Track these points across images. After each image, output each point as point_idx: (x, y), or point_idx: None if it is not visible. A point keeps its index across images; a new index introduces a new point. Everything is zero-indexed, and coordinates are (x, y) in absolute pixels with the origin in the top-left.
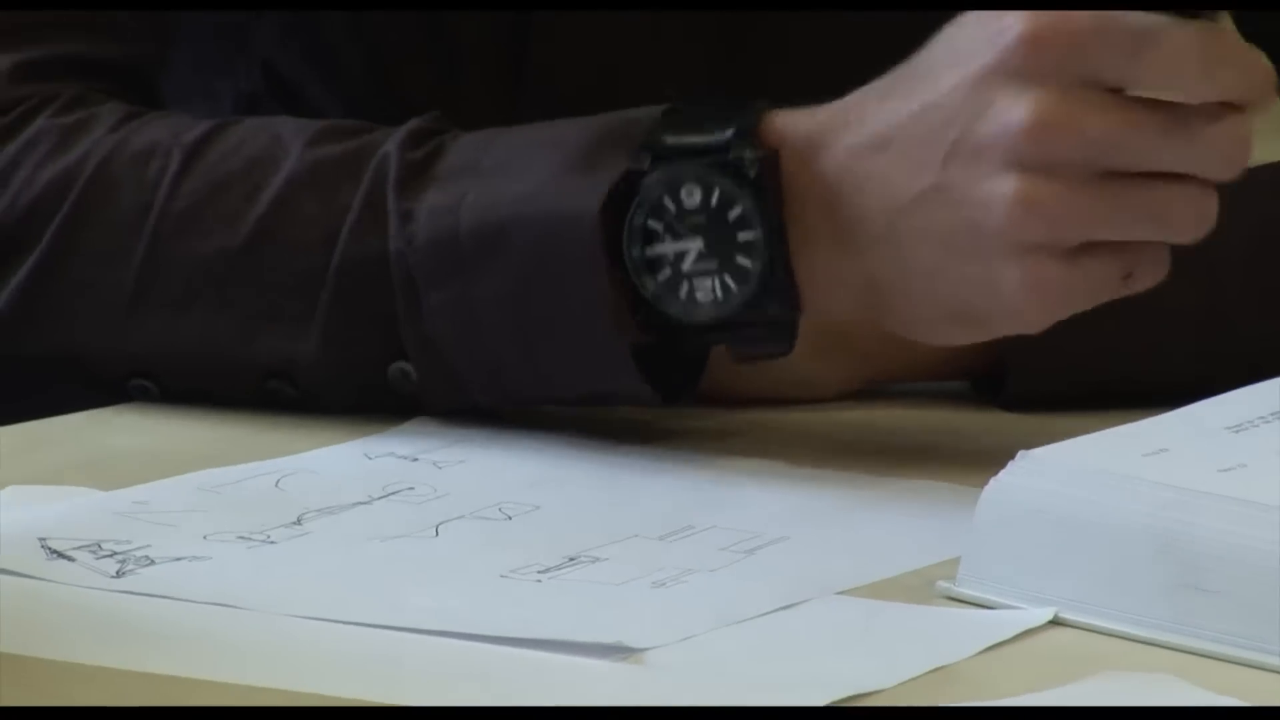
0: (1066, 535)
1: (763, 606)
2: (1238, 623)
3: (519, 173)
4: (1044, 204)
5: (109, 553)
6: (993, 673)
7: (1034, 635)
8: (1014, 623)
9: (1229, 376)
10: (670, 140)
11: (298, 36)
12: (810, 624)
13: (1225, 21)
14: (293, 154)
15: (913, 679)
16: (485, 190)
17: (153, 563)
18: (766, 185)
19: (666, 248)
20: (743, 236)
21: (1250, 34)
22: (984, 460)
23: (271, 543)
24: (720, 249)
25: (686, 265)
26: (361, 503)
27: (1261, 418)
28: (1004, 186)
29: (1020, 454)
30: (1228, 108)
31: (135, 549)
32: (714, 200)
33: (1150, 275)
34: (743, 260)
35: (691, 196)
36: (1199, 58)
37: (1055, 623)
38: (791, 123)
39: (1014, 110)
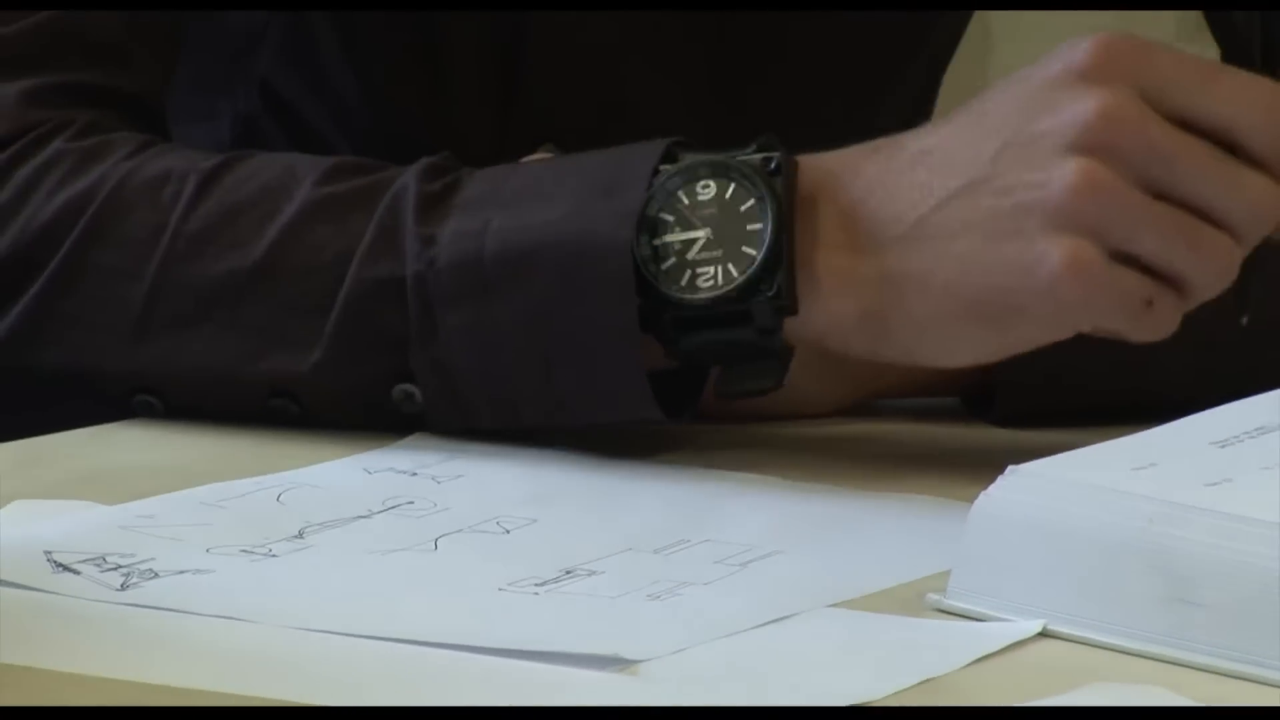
0: (1056, 548)
1: (756, 619)
2: (1226, 635)
3: (544, 199)
4: (1105, 188)
5: (114, 566)
6: (982, 684)
7: (1023, 647)
8: (1003, 635)
9: (1216, 393)
10: (690, 154)
11: (295, 57)
12: (802, 636)
13: None
14: (306, 184)
15: (903, 690)
16: (511, 216)
17: (157, 576)
18: (781, 180)
19: (674, 237)
20: (750, 226)
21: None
22: (974, 474)
23: (274, 556)
24: (727, 237)
25: (692, 254)
26: (362, 517)
27: (1247, 433)
28: (1065, 167)
29: (1010, 468)
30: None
31: (139, 562)
32: (729, 194)
33: (1162, 325)
34: (747, 248)
35: (706, 190)
36: (1266, 104)
37: (1044, 635)
38: (819, 156)
39: (1082, 102)
